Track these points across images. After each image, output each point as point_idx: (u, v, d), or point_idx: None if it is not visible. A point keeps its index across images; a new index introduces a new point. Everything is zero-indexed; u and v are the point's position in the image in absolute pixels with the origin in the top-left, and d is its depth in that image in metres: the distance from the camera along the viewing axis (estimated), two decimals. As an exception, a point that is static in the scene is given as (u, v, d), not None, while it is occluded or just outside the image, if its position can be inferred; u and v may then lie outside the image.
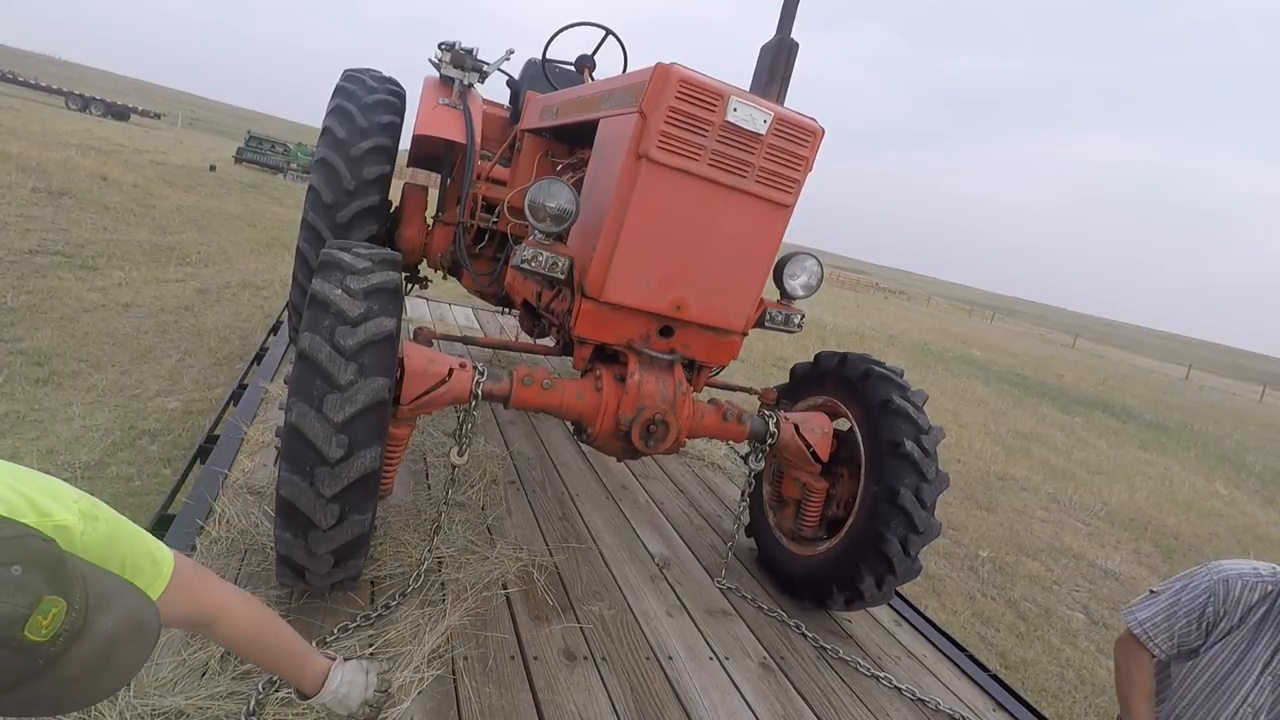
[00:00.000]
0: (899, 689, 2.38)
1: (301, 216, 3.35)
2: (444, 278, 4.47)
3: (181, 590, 1.09)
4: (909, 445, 2.44)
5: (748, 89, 2.35)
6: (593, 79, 4.26)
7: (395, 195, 3.79)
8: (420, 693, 1.80)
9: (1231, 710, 1.68)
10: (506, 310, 5.23)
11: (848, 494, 2.73)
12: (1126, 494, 8.72)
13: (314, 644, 1.87)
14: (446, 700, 1.81)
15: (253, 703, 1.63)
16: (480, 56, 3.93)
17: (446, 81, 3.89)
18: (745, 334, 2.51)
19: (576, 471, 3.60)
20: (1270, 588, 1.69)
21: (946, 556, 5.38)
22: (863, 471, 2.58)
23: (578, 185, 2.67)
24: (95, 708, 1.52)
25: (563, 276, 2.23)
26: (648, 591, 2.60)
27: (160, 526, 2.35)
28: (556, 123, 3.11)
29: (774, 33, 2.54)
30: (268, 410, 3.45)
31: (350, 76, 3.66)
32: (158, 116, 38.03)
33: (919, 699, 2.37)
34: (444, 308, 6.81)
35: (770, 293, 2.61)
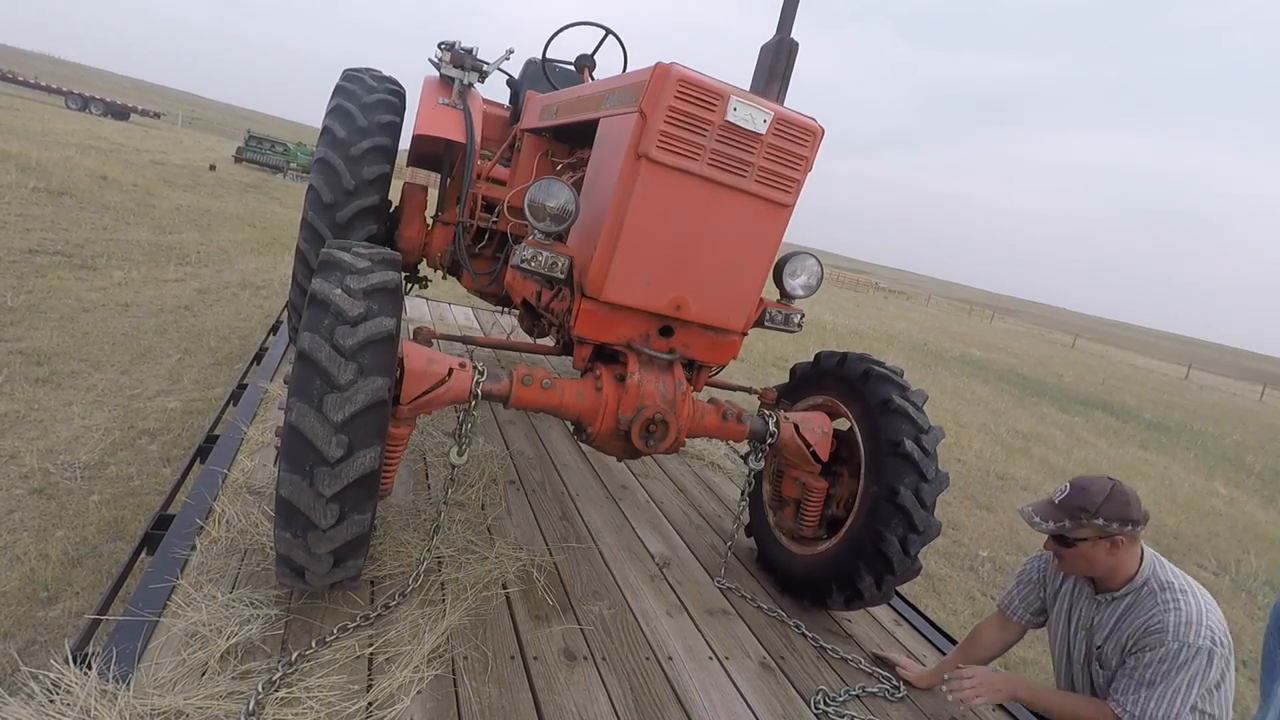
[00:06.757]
0: (899, 687, 2.38)
1: (301, 216, 3.34)
2: (444, 278, 4.47)
3: None
4: (909, 445, 2.44)
5: (748, 89, 2.35)
6: (593, 79, 4.26)
7: (395, 195, 3.78)
8: (420, 693, 1.80)
9: (1068, 657, 2.19)
10: (506, 310, 5.22)
11: (847, 494, 2.73)
12: (1126, 494, 8.70)
13: (314, 643, 1.89)
14: (446, 700, 1.81)
15: (252, 703, 1.63)
16: (480, 56, 3.93)
17: (446, 81, 3.89)
18: (745, 334, 2.51)
19: (576, 471, 3.60)
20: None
21: (946, 556, 5.38)
22: (862, 471, 2.57)
23: (578, 185, 2.67)
24: (95, 708, 1.52)
25: (562, 276, 2.22)
26: (648, 591, 2.60)
27: (160, 526, 2.35)
28: (556, 122, 3.11)
29: (774, 33, 2.54)
30: (267, 410, 3.45)
31: (350, 76, 3.66)
32: (157, 116, 38.06)
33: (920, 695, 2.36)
34: (444, 308, 6.81)
35: (770, 292, 2.61)
